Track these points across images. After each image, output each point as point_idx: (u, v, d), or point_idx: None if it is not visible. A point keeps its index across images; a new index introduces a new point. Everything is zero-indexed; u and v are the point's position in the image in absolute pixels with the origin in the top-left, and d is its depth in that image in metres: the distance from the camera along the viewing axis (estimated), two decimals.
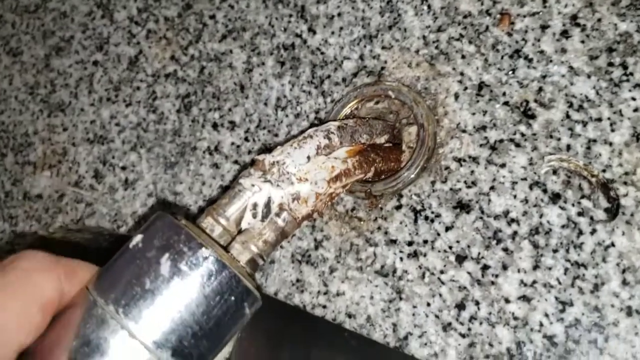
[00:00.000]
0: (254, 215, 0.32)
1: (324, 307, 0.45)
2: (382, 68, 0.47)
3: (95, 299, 0.27)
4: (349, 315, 0.44)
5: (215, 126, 0.53)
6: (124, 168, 0.57)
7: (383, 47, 0.47)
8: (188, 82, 0.56)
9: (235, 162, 0.52)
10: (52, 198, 0.60)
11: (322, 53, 0.50)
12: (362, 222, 0.45)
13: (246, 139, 0.52)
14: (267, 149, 0.50)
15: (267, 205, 0.32)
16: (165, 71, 0.57)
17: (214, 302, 0.27)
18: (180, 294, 0.27)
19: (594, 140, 0.39)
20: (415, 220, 0.43)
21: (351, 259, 0.45)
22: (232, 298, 0.28)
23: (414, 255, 0.43)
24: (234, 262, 0.30)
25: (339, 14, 0.49)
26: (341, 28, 0.49)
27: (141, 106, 0.58)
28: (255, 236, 0.32)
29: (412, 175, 0.43)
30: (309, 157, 0.36)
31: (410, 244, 0.43)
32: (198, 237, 0.28)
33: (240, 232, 0.32)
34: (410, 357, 0.41)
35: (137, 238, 0.28)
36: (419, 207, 0.43)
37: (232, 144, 0.52)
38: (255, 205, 0.32)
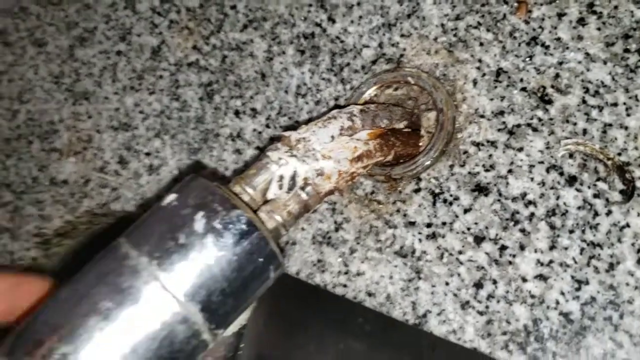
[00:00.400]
0: (280, 187, 0.33)
1: (345, 286, 0.46)
2: (401, 55, 0.48)
3: (128, 251, 0.27)
4: (369, 294, 0.45)
5: (237, 113, 0.55)
6: (148, 154, 0.59)
7: (402, 35, 0.48)
8: (210, 71, 0.57)
9: (257, 148, 0.53)
10: (78, 183, 0.62)
11: (342, 41, 0.51)
12: (381, 205, 0.46)
13: (267, 126, 0.53)
14: (291, 128, 0.52)
15: (293, 178, 0.34)
16: (187, 60, 0.59)
17: (243, 262, 0.28)
18: (212, 250, 0.27)
19: (610, 125, 0.40)
20: (434, 203, 0.44)
21: (371, 240, 0.46)
22: (260, 260, 0.29)
23: (433, 236, 0.44)
24: (263, 226, 0.31)
25: (358, 3, 0.50)
26: (360, 17, 0.50)
27: (164, 94, 0.59)
28: (281, 207, 0.33)
29: (431, 159, 0.44)
30: (332, 137, 0.37)
31: (429, 225, 0.44)
32: (232, 199, 0.29)
33: (265, 202, 0.34)
34: (428, 334, 0.42)
35: (171, 197, 0.29)
36: (437, 190, 0.44)
37: (254, 130, 0.54)
38: (281, 178, 0.33)
